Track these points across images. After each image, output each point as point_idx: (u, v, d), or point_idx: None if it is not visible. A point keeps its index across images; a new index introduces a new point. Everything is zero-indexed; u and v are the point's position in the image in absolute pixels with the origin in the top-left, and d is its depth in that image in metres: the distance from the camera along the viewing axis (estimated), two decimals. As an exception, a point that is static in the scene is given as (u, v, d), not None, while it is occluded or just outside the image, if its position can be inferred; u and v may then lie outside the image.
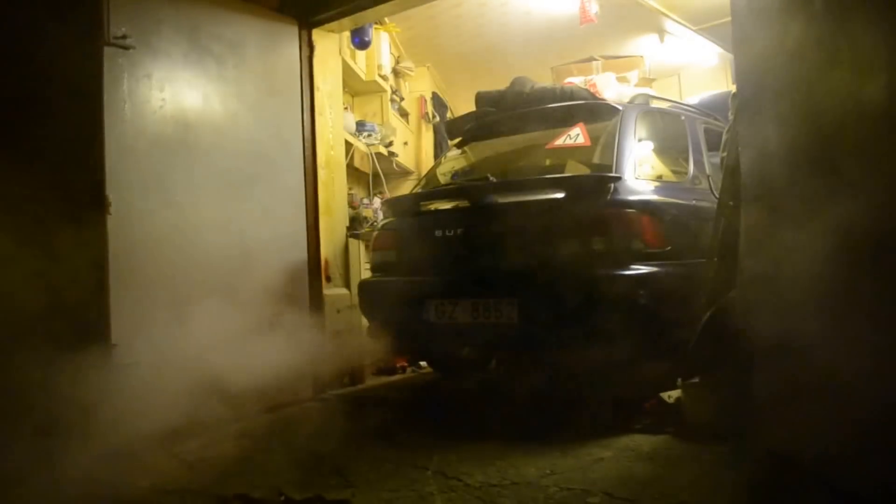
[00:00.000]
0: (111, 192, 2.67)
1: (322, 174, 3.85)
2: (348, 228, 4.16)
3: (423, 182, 3.76)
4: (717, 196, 2.71)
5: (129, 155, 2.78)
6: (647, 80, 5.90)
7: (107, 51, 2.72)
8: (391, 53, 5.63)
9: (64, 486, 2.09)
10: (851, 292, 1.43)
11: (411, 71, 6.17)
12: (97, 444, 2.32)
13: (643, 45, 6.37)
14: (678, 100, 4.55)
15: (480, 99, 3.88)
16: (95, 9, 2.71)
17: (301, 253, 3.64)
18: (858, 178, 1.36)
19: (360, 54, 5.00)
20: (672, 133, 3.42)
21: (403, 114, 6.26)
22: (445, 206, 3.21)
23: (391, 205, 3.48)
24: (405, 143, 6.08)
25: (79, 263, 2.46)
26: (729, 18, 2.18)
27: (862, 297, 1.40)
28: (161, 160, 2.92)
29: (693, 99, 4.80)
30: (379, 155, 5.24)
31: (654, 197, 2.84)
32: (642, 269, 2.58)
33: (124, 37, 2.78)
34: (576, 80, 4.32)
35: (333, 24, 3.92)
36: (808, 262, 1.60)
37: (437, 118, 6.72)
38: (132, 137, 2.80)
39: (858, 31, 1.30)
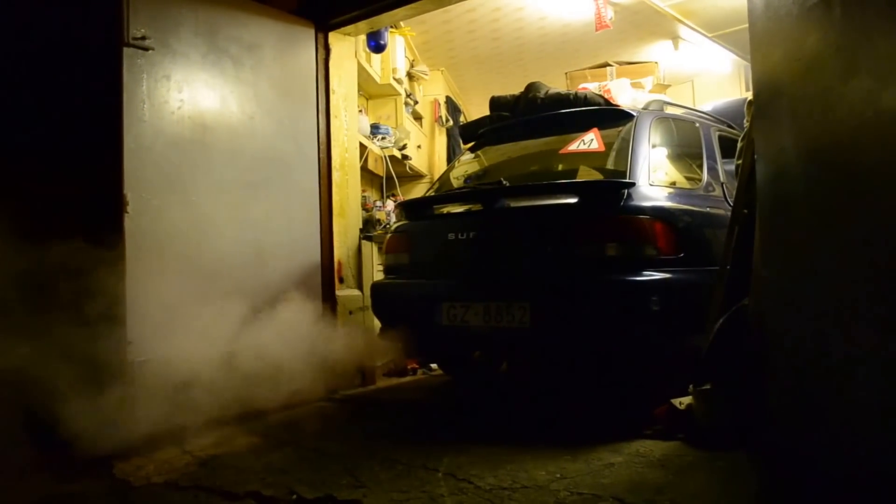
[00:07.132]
0: (129, 191, 2.71)
1: (336, 176, 3.88)
2: (361, 230, 4.19)
3: (436, 185, 3.77)
4: (731, 204, 2.70)
5: (148, 154, 2.81)
6: (662, 87, 5.91)
7: (126, 51, 2.76)
8: (406, 57, 5.67)
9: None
10: (868, 303, 1.42)
11: (426, 74, 6.20)
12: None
13: (657, 52, 6.37)
14: (692, 106, 4.54)
15: (494, 103, 3.90)
16: (115, 10, 2.75)
17: (315, 254, 3.67)
18: (876, 187, 1.36)
19: (376, 57, 5.04)
20: (686, 140, 3.42)
21: (417, 117, 6.29)
22: (458, 209, 3.22)
23: (404, 208, 3.50)
24: (419, 147, 6.11)
25: (96, 261, 2.49)
26: (744, 25, 2.17)
27: (879, 308, 1.39)
28: (178, 160, 2.95)
29: (706, 106, 4.80)
30: (392, 158, 5.27)
31: (668, 203, 2.83)
32: (655, 275, 2.58)
33: (143, 38, 2.82)
34: (590, 86, 4.33)
35: (349, 28, 3.95)
36: (824, 273, 1.60)
37: (451, 122, 6.75)
38: (150, 137, 2.83)
39: (879, 38, 1.30)
